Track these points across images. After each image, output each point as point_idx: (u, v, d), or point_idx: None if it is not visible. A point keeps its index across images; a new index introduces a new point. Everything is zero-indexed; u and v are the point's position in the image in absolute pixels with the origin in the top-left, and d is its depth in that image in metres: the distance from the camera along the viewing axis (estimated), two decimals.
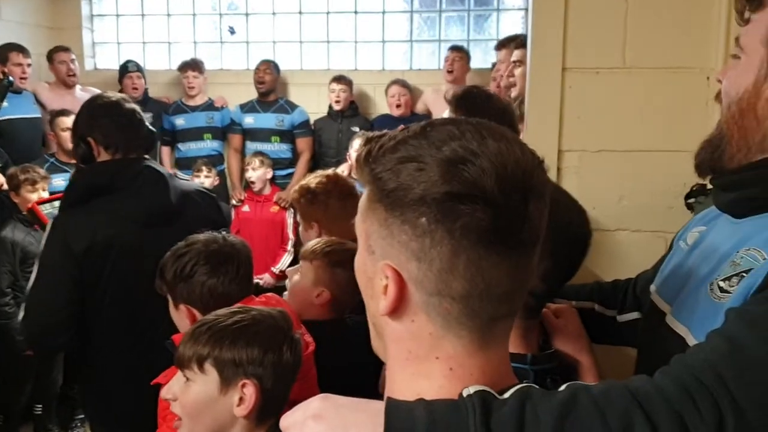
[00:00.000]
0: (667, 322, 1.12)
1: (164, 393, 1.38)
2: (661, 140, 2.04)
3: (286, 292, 2.05)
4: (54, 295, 2.05)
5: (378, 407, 0.75)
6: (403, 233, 0.73)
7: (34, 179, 3.67)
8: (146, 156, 2.22)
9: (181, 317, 1.72)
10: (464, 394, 0.73)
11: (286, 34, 5.78)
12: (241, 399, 1.31)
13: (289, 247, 4.77)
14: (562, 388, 0.76)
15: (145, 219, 2.09)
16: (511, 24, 5.50)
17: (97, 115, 2.17)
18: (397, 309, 0.76)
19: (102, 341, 2.15)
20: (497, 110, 2.07)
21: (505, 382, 0.77)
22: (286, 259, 4.75)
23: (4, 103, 4.31)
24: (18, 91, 4.53)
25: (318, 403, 0.78)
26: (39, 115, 4.74)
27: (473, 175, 0.71)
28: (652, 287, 1.26)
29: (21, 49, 4.64)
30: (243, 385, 1.31)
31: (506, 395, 0.74)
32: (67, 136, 4.42)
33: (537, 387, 0.76)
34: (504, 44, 3.45)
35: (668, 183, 2.04)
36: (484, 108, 2.01)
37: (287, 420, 0.80)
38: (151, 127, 2.26)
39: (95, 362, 2.20)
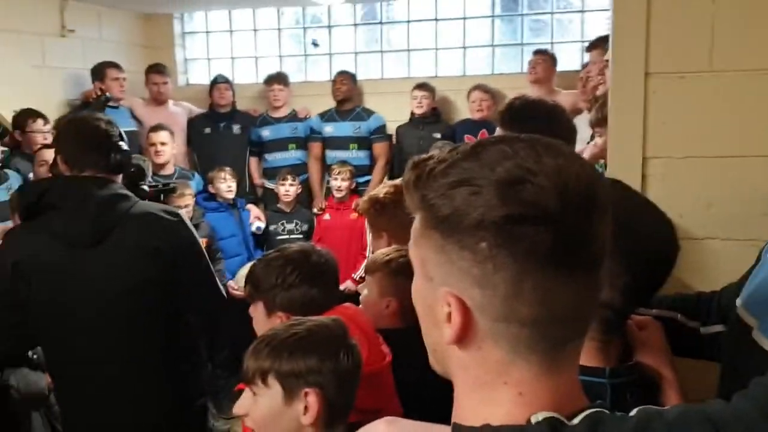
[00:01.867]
0: (754, 338, 1.08)
1: (236, 409, 1.44)
2: (753, 145, 1.94)
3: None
4: None
5: None
6: (462, 260, 0.70)
7: None
8: (112, 176, 2.11)
9: (273, 324, 1.75)
10: (532, 421, 0.70)
11: (367, 45, 5.85)
12: (306, 408, 1.35)
13: (368, 253, 4.80)
14: (633, 412, 0.73)
15: (65, 238, 2.01)
16: (597, 26, 5.37)
17: (62, 132, 2.19)
18: (463, 338, 0.73)
19: (54, 374, 2.14)
20: (544, 112, 2.03)
21: (575, 405, 0.74)
22: None
23: None
24: (115, 106, 4.77)
25: (384, 427, 0.80)
26: (135, 129, 4.96)
27: (532, 195, 0.68)
28: (739, 300, 1.20)
29: (116, 66, 4.90)
30: (306, 394, 1.35)
31: (575, 420, 0.71)
32: (158, 149, 4.64)
33: (607, 412, 0.73)
34: (595, 45, 3.40)
35: (762, 189, 1.95)
36: (529, 115, 1.97)
37: None
38: (124, 146, 2.13)
39: (63, 411, 2.19)
